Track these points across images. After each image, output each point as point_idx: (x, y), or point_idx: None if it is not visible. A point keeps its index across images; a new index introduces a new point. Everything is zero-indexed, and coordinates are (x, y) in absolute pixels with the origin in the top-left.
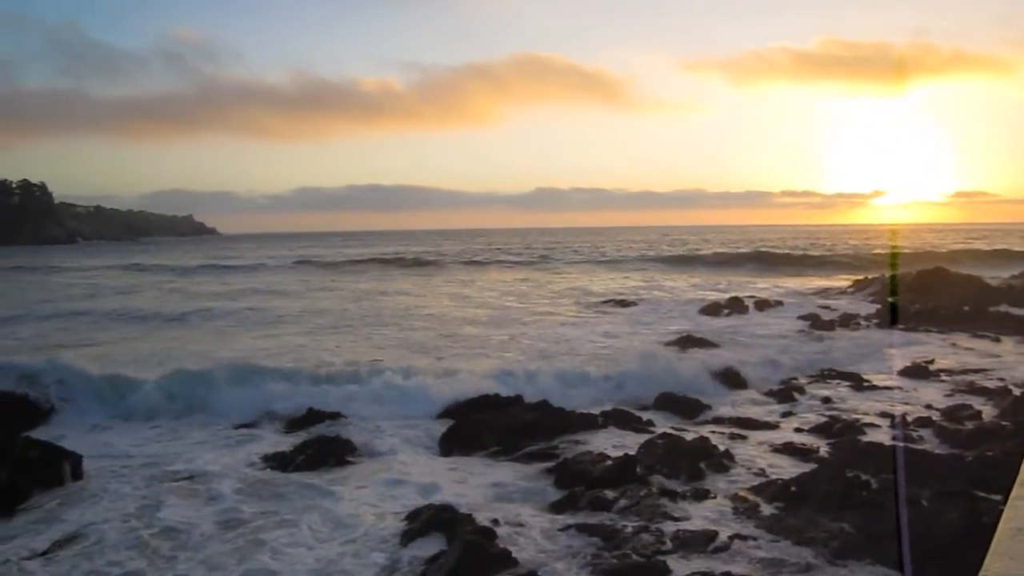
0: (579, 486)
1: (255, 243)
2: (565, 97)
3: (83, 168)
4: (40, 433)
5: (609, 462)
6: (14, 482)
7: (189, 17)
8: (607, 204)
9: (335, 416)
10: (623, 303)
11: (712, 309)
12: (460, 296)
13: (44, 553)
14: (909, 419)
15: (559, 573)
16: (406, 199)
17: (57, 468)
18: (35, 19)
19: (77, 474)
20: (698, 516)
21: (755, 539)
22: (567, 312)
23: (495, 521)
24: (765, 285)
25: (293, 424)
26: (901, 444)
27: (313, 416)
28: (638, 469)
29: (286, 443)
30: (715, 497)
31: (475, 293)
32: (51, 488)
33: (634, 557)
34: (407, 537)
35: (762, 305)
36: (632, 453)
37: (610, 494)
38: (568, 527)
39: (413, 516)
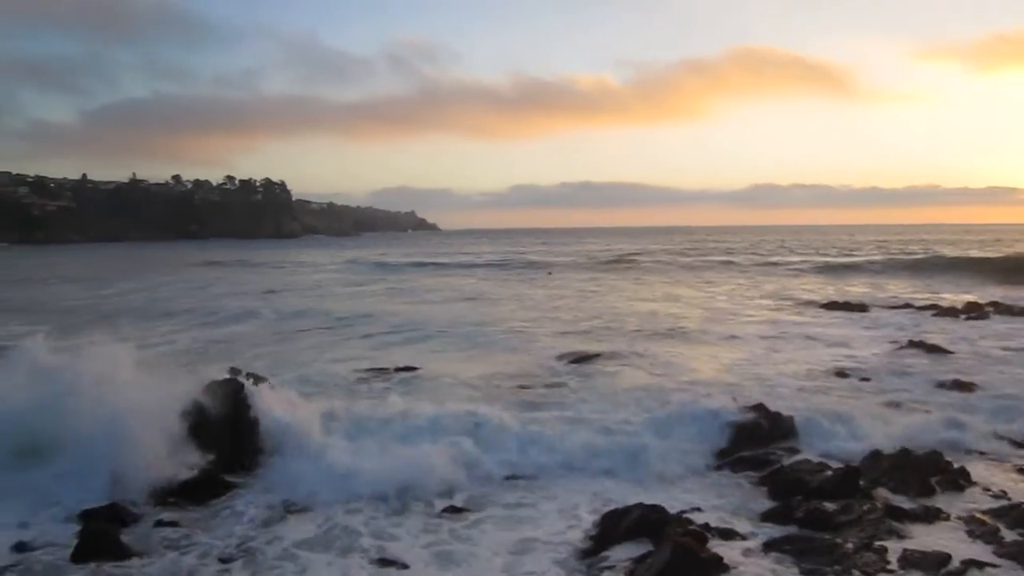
0: (795, 496)
1: (476, 239)
2: (785, 89)
3: (317, 167)
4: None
5: (829, 472)
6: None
7: (413, 22)
8: (829, 201)
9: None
10: (848, 306)
11: (946, 314)
12: (672, 297)
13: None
14: None
15: None
16: (618, 196)
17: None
18: (276, 30)
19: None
20: (928, 536)
21: (994, 567)
22: (785, 316)
23: (705, 526)
24: (1011, 292)
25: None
26: None
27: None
28: (861, 482)
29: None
30: (948, 518)
31: (688, 293)
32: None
33: (855, 574)
34: (615, 535)
35: (1007, 311)
36: (855, 464)
37: (829, 507)
38: (783, 538)
39: (622, 514)
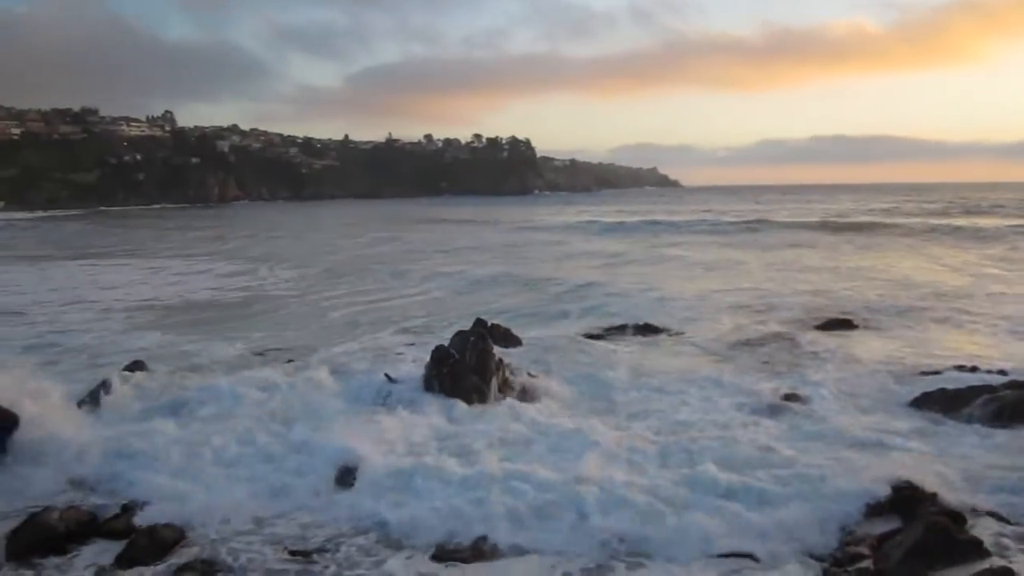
0: None
1: (719, 196)
2: None
3: (559, 124)
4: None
5: None
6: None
7: None
8: None
9: None
10: None
11: None
12: (934, 259)
13: None
14: None
15: None
16: (875, 150)
17: (533, 392)
18: None
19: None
20: None
21: None
22: None
23: (968, 507)
24: None
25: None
26: None
27: None
28: None
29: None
30: None
31: (952, 257)
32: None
33: None
34: (865, 507)
35: None
36: None
37: None
38: None
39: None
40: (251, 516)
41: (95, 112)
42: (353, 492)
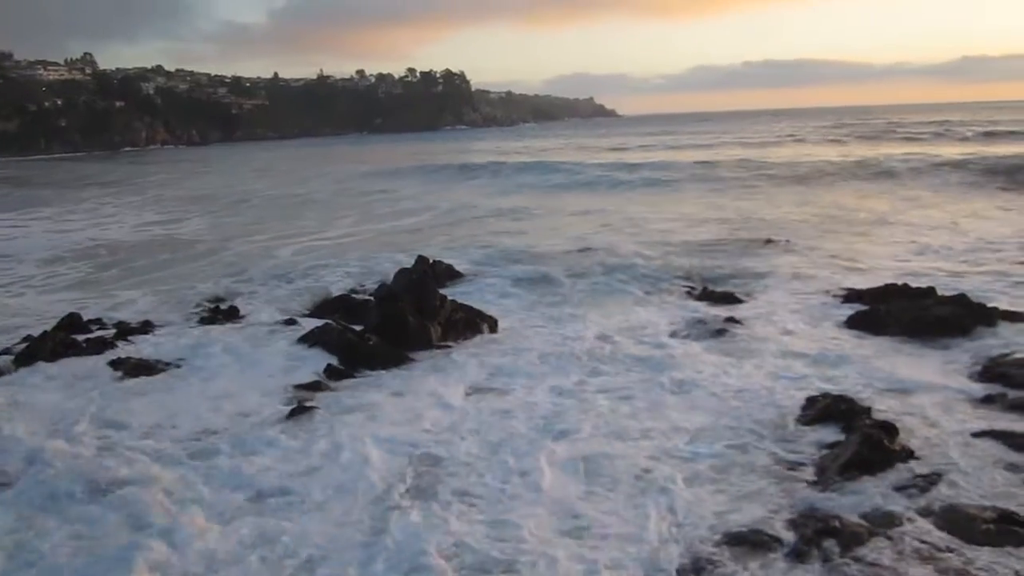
0: (1000, 389)
1: (652, 127)
2: None
3: (494, 56)
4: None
5: None
6: (445, 335)
7: None
8: None
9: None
10: None
11: None
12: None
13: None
14: None
15: (970, 479)
16: (804, 74)
17: (478, 327)
18: None
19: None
20: None
21: None
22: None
23: (899, 416)
24: None
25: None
26: None
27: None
28: None
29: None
30: None
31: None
32: (473, 338)
33: None
34: (804, 421)
35: None
36: None
37: None
38: (983, 433)
39: (810, 403)
40: None
41: (9, 56)
42: None
